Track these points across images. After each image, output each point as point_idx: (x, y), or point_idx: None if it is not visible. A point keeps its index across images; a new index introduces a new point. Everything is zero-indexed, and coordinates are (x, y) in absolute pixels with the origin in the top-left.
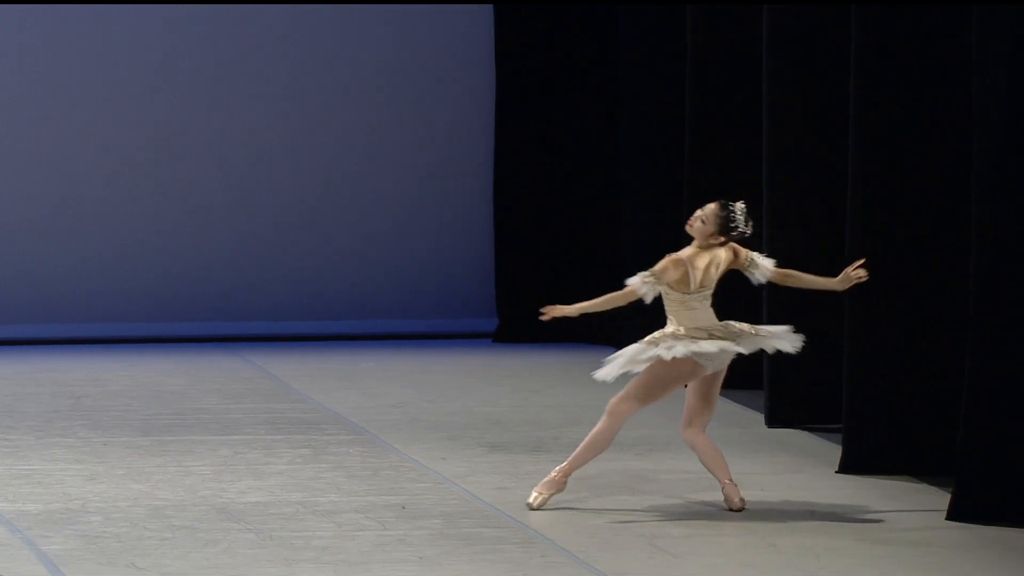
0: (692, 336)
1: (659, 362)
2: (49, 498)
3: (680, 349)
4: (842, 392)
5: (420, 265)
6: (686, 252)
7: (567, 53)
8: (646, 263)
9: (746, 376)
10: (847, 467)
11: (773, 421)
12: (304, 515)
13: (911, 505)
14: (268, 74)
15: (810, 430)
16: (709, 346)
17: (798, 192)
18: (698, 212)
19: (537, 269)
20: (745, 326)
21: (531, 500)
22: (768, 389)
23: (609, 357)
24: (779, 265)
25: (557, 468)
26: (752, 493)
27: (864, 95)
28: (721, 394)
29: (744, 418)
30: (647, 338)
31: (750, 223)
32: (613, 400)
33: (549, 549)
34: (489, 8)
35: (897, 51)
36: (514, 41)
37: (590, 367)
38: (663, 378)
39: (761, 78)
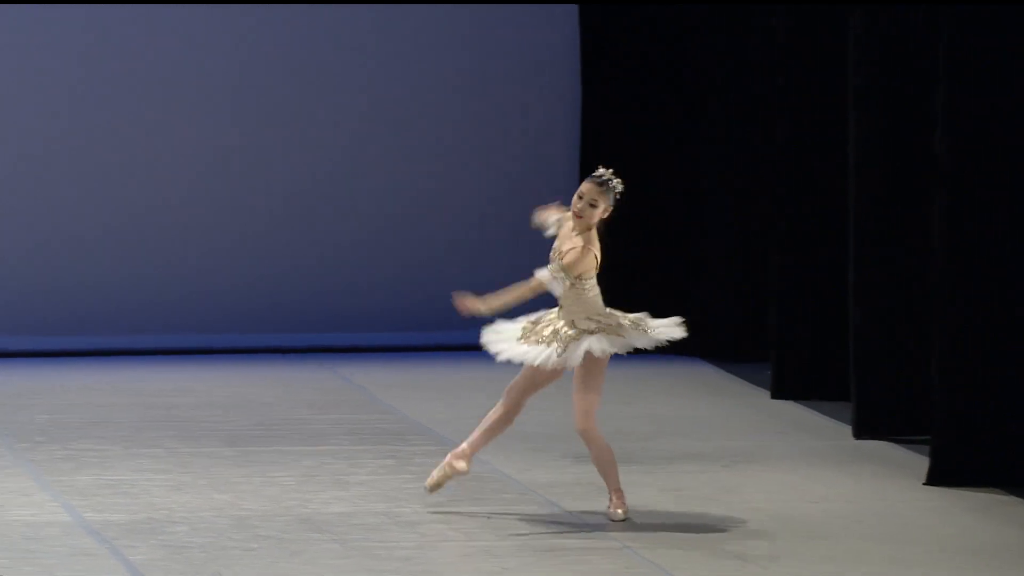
0: (593, 328)
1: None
2: (135, 508)
3: (602, 344)
4: (930, 403)
5: (504, 276)
6: (583, 239)
7: (656, 54)
8: (725, 272)
9: (833, 388)
10: (935, 479)
11: (861, 433)
12: (388, 526)
13: (999, 518)
14: (358, 81)
15: (898, 441)
16: (622, 344)
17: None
18: (583, 196)
19: (621, 278)
20: (630, 318)
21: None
22: (855, 401)
23: (501, 338)
24: None
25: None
26: (840, 505)
27: (950, 100)
28: (809, 406)
29: (831, 430)
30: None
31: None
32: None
33: (635, 560)
34: (574, 8)
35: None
36: (600, 42)
37: (681, 378)
38: (591, 376)
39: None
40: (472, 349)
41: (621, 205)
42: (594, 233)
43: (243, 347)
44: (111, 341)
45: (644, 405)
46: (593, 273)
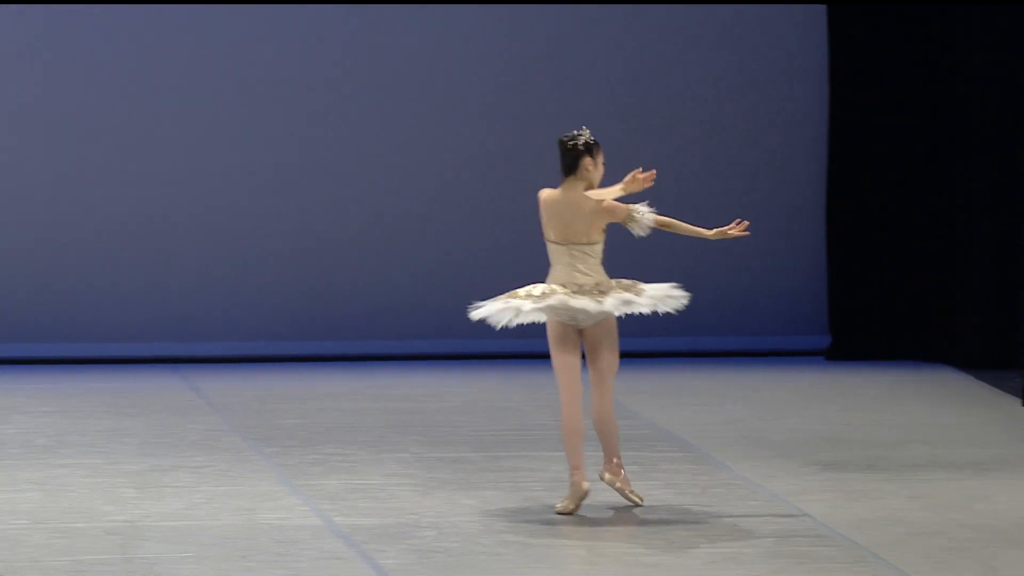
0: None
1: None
2: (384, 512)
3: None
4: None
5: (751, 281)
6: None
7: (907, 55)
8: (982, 271)
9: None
10: None
11: None
12: (634, 531)
13: None
14: (596, 80)
15: None
16: (538, 306)
17: None
18: (588, 157)
19: (871, 285)
20: (625, 283)
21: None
22: None
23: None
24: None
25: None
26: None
27: None
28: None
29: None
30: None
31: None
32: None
33: (882, 569)
34: (822, 9)
35: None
36: (850, 43)
37: (926, 385)
38: (550, 342)
39: None
40: (715, 355)
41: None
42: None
43: (487, 352)
44: (354, 347)
45: (891, 412)
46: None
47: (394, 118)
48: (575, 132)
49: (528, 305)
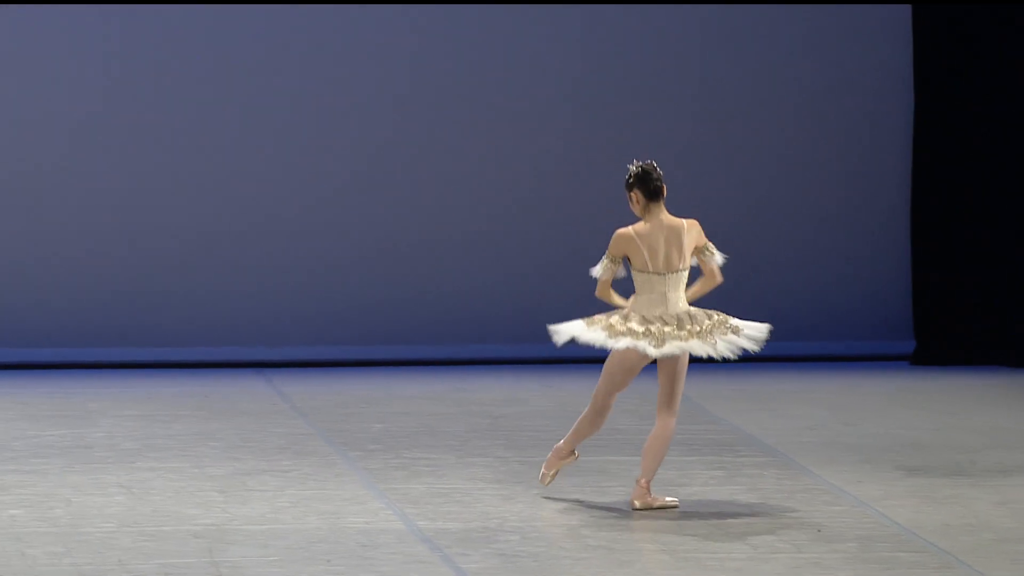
0: (636, 325)
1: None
2: (468, 517)
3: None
4: None
5: (836, 286)
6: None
7: (994, 55)
8: None
9: None
10: None
11: None
12: (718, 536)
13: None
14: (675, 86)
15: None
16: (625, 342)
17: None
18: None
19: (957, 290)
20: (715, 318)
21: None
22: None
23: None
24: None
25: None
26: None
27: None
28: None
29: None
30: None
31: (640, 167)
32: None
33: (968, 575)
34: (907, 8)
35: None
36: (935, 44)
37: (1011, 390)
38: (612, 364)
39: None
40: (800, 360)
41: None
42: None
43: (566, 357)
44: (438, 351)
45: (977, 417)
46: (647, 266)
47: (472, 125)
48: (642, 162)
49: (652, 351)
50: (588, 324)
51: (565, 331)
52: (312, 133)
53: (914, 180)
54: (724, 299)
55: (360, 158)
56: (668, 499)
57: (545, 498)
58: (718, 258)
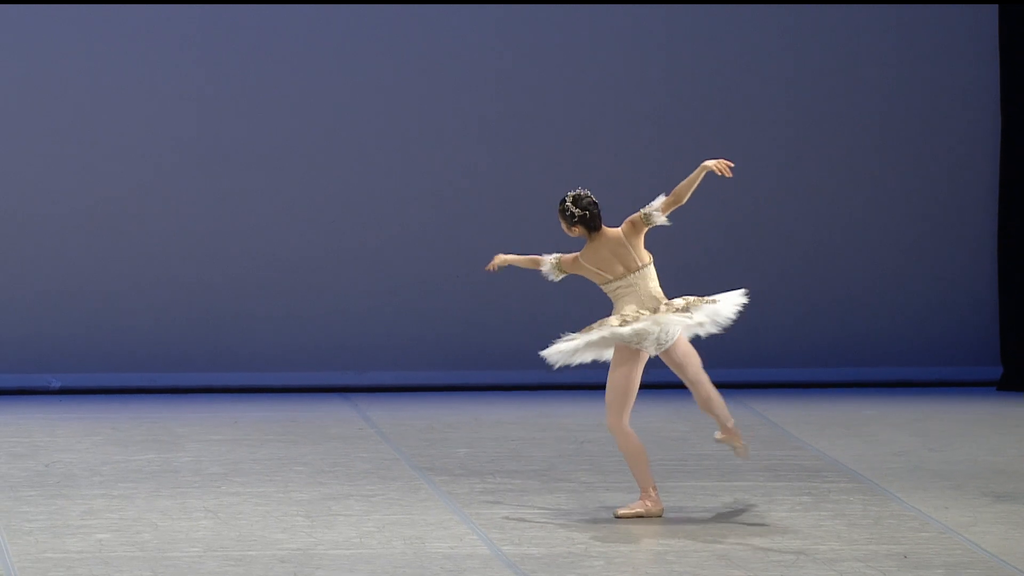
0: (616, 321)
1: (611, 364)
2: (553, 542)
3: (596, 332)
4: None
5: (922, 311)
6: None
7: None
8: None
9: None
10: None
11: None
12: (804, 563)
13: None
14: (763, 90)
15: None
16: (623, 329)
17: None
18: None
19: None
20: (690, 299)
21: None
22: None
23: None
24: None
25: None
26: None
27: None
28: None
29: None
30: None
31: (579, 203)
32: (607, 422)
33: None
34: (993, 8)
35: None
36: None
37: None
38: (615, 373)
39: None
40: (886, 385)
41: None
42: (591, 243)
43: (654, 382)
44: (522, 376)
45: None
46: (602, 279)
47: (567, 148)
48: (580, 192)
49: (622, 330)
50: (573, 338)
51: (558, 353)
52: (398, 160)
53: (1001, 206)
54: (810, 323)
55: (447, 186)
56: (743, 444)
57: (630, 523)
58: (653, 205)
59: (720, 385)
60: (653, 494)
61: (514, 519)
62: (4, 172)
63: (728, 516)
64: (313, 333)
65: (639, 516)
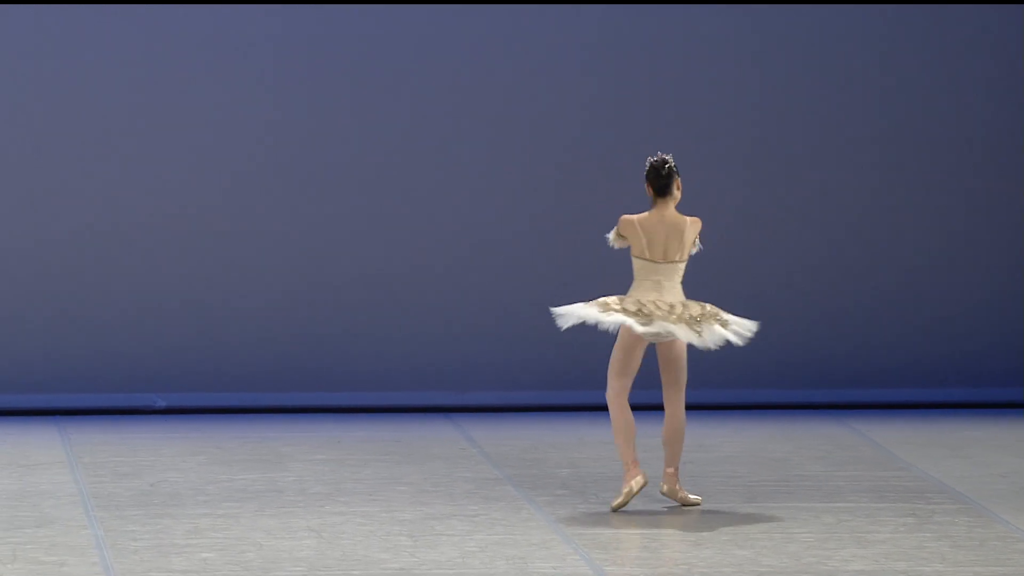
0: (632, 306)
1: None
2: (656, 562)
3: (610, 317)
4: None
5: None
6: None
7: None
8: None
9: None
10: None
11: None
12: None
13: None
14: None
15: None
16: (639, 327)
17: None
18: (678, 178)
19: None
20: (707, 309)
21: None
22: None
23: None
24: None
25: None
26: None
27: None
28: None
29: None
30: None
31: (656, 160)
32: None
33: None
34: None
35: None
36: None
37: None
38: (617, 346)
39: None
40: (990, 406)
41: None
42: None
43: (756, 403)
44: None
45: None
46: (641, 252)
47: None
48: (663, 155)
49: (638, 327)
50: (587, 304)
51: (567, 313)
52: (509, 180)
53: None
54: (914, 342)
55: (545, 205)
56: (692, 496)
57: (732, 543)
58: (693, 250)
59: (823, 406)
60: (633, 469)
61: (617, 539)
62: (110, 190)
63: (831, 537)
64: (415, 352)
65: (630, 496)
